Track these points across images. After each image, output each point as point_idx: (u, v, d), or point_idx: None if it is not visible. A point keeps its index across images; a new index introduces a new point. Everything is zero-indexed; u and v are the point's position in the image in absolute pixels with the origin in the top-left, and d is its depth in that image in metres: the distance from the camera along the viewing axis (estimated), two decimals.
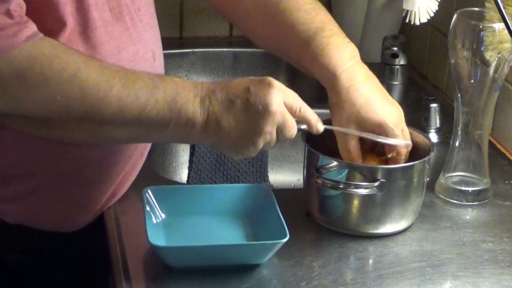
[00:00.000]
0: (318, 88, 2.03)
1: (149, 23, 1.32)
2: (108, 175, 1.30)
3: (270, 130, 1.16)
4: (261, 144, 1.17)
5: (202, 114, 1.15)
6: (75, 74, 1.11)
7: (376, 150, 1.32)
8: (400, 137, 1.27)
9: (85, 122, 1.15)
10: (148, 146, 1.39)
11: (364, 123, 1.26)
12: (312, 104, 1.93)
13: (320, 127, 1.23)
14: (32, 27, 1.10)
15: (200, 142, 1.21)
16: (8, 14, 1.08)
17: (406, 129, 1.30)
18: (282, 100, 1.17)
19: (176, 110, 1.15)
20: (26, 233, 1.30)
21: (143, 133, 1.17)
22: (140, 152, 1.35)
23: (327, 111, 1.71)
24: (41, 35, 1.11)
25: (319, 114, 1.68)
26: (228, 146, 1.18)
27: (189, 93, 1.15)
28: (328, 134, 1.33)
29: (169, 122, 1.15)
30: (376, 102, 1.27)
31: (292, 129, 1.18)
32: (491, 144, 1.50)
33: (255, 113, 1.15)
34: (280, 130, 1.17)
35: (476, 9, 1.35)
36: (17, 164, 1.24)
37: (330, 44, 1.29)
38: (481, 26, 1.29)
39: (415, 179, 1.27)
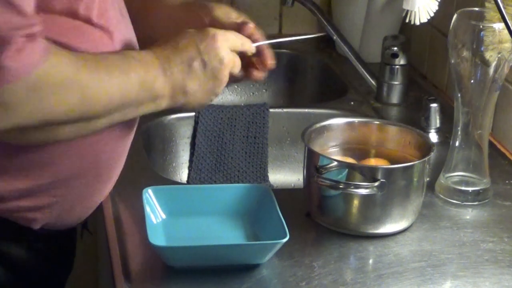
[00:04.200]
0: (318, 88, 2.04)
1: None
2: (114, 170, 1.32)
3: (226, 78, 1.27)
4: (220, 91, 1.28)
5: (167, 85, 1.22)
6: (79, 83, 1.13)
7: (379, 154, 1.34)
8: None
9: (78, 121, 1.16)
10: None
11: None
12: (312, 104, 1.94)
13: (253, 49, 1.31)
14: (42, 40, 1.10)
15: (171, 107, 1.27)
16: (31, 35, 1.08)
17: None
18: (229, 48, 1.26)
19: (148, 89, 1.20)
20: (33, 231, 1.30)
21: (119, 117, 1.21)
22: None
23: (328, 111, 1.72)
24: (53, 48, 1.11)
25: (320, 114, 1.70)
26: (195, 104, 1.27)
27: (154, 69, 1.21)
28: (329, 134, 1.34)
29: (143, 101, 1.20)
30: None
31: (239, 65, 1.28)
32: (491, 144, 1.50)
33: (213, 69, 1.24)
34: (232, 72, 1.28)
35: (476, 9, 1.35)
36: (54, 173, 1.24)
37: None
38: (481, 26, 1.29)
39: (415, 179, 1.27)
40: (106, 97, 1.15)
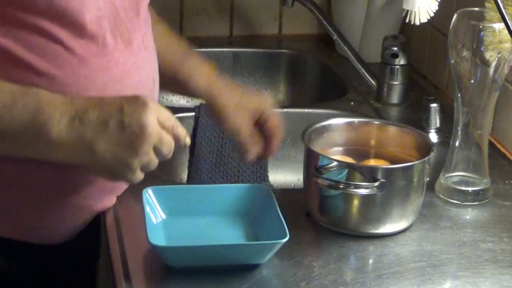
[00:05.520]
0: (318, 88, 2.04)
1: (152, 49, 1.32)
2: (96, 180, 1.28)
3: (146, 151, 1.13)
4: (137, 166, 1.14)
5: (70, 134, 1.11)
6: None
7: (379, 154, 1.34)
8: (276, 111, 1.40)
9: None
10: None
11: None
12: (312, 104, 1.94)
13: (188, 141, 1.19)
14: None
15: (71, 162, 1.16)
16: None
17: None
18: (157, 119, 1.13)
19: (36, 129, 1.11)
20: (23, 245, 1.29)
21: (2, 149, 1.14)
22: None
23: (328, 111, 1.72)
24: None
25: (320, 114, 1.70)
26: (103, 169, 1.15)
27: (54, 112, 1.11)
28: (329, 134, 1.34)
29: (28, 141, 1.12)
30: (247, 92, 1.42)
31: (170, 145, 1.16)
32: (491, 144, 1.50)
33: (131, 135, 1.12)
34: (158, 149, 1.14)
35: (476, 9, 1.35)
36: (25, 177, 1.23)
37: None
38: (481, 26, 1.29)
39: (415, 179, 1.27)
40: None
